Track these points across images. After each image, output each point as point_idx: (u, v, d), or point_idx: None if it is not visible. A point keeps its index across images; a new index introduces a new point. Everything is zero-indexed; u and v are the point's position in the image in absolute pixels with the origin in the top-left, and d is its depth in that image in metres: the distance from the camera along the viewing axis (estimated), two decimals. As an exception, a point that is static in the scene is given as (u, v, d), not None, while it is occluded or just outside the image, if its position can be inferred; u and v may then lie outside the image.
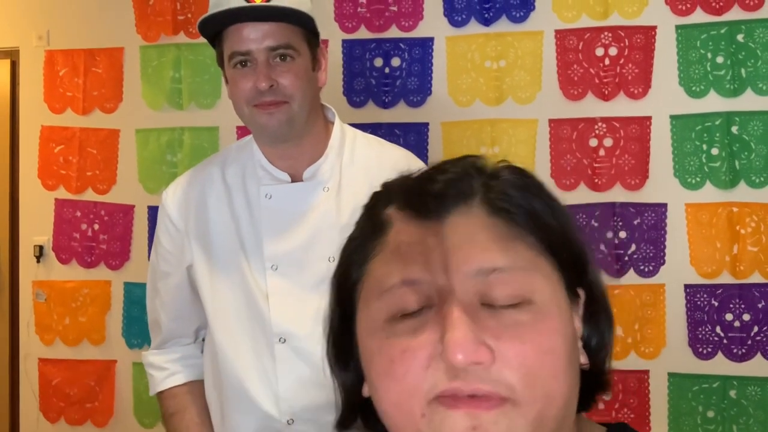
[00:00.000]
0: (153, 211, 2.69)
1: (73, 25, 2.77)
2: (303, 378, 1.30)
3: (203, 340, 1.48)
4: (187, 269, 1.40)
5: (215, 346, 1.37)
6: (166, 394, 1.45)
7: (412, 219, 0.58)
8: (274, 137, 1.33)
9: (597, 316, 0.61)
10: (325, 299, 1.34)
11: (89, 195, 2.73)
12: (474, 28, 2.49)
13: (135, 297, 2.69)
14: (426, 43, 2.52)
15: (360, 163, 1.39)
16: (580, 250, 0.61)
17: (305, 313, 1.29)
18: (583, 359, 0.59)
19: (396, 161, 1.37)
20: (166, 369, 1.45)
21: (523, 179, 0.61)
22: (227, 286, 1.35)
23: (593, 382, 0.61)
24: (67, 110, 2.76)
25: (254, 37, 1.27)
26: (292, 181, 1.37)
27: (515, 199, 0.59)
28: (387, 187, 0.64)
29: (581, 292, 0.61)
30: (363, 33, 2.55)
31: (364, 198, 1.35)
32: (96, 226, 2.72)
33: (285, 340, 1.31)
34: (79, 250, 2.73)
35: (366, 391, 0.60)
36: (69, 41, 2.77)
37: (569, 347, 0.55)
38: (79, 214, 2.73)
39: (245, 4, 1.26)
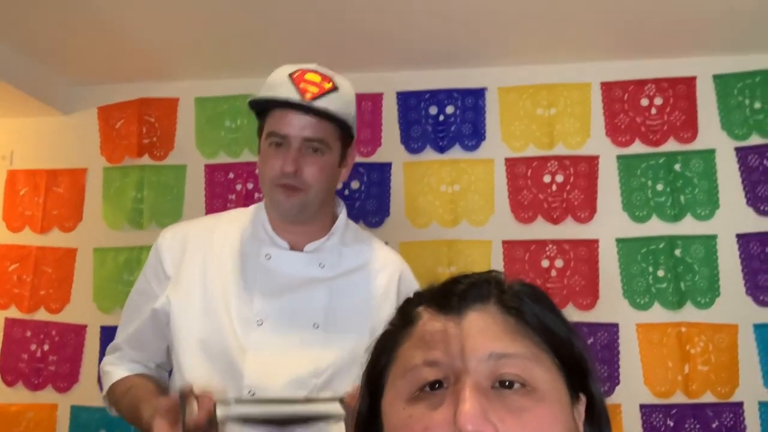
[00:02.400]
0: (105, 332, 2.58)
1: (38, 146, 2.76)
2: None
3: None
4: (154, 311, 1.40)
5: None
6: (118, 383, 1.42)
7: (437, 313, 0.66)
8: (285, 216, 1.39)
9: (599, 420, 0.67)
10: (304, 362, 1.28)
11: (41, 314, 2.62)
12: (429, 154, 2.56)
13: (82, 421, 2.52)
14: (384, 168, 2.57)
15: (360, 253, 1.46)
16: (583, 360, 0.67)
17: (280, 371, 1.31)
18: None
19: (393, 260, 1.48)
20: (122, 366, 1.45)
21: (536, 292, 0.69)
22: (205, 335, 1.35)
23: None
24: (25, 229, 2.69)
25: (295, 125, 1.34)
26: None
27: (526, 304, 0.66)
28: (417, 292, 0.72)
29: (582, 397, 0.66)
30: (323, 158, 2.60)
31: (356, 283, 1.37)
32: (46, 347, 2.59)
33: (254, 394, 1.30)
34: (27, 371, 2.57)
35: None
36: (32, 161, 2.75)
37: None
38: (29, 333, 2.60)
39: (298, 100, 1.33)
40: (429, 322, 0.66)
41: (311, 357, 1.33)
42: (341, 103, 1.37)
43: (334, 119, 1.36)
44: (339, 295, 1.39)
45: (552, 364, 0.63)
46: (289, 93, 1.33)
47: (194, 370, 1.34)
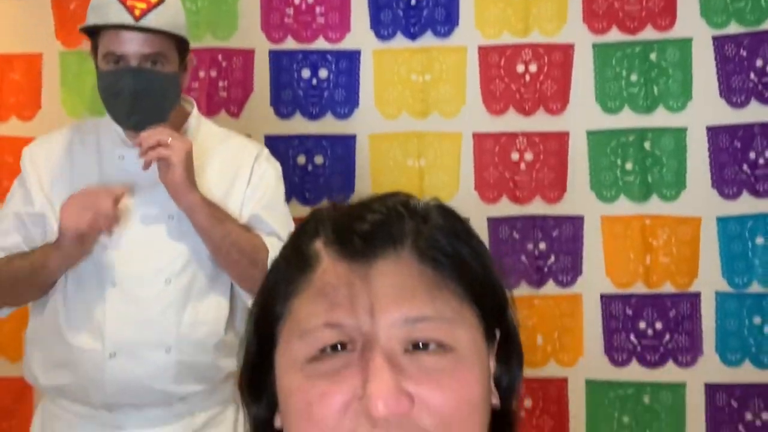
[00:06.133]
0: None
1: (-11, 29, 2.56)
2: (130, 317, 1.41)
3: None
4: (30, 216, 1.49)
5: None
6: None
7: (340, 258, 0.55)
8: (127, 128, 1.50)
9: (510, 357, 0.61)
10: (161, 252, 1.46)
11: (5, 206, 2.53)
12: (400, 41, 2.39)
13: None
14: (353, 56, 2.41)
15: (214, 145, 1.54)
16: (501, 295, 0.60)
17: (140, 260, 1.44)
18: (495, 400, 0.59)
19: (248, 146, 1.58)
20: None
21: (452, 224, 0.59)
22: None
23: (499, 423, 0.59)
24: (-18, 117, 2.55)
25: (130, 43, 1.38)
26: None
27: (444, 247, 0.57)
28: (315, 216, 0.60)
29: (497, 333, 0.60)
30: (290, 44, 2.44)
31: (210, 173, 1.53)
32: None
33: (116, 284, 1.42)
34: None
35: (278, 423, 0.58)
36: (-16, 46, 2.56)
37: (484, 393, 0.55)
38: (-6, 225, 2.53)
39: (129, 21, 1.36)
40: (330, 270, 0.55)
41: (167, 247, 1.44)
42: (170, 13, 1.41)
43: (167, 33, 1.40)
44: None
45: (472, 317, 0.56)
46: (119, 14, 1.35)
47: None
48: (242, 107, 2.42)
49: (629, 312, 2.28)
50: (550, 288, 2.31)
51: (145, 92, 1.40)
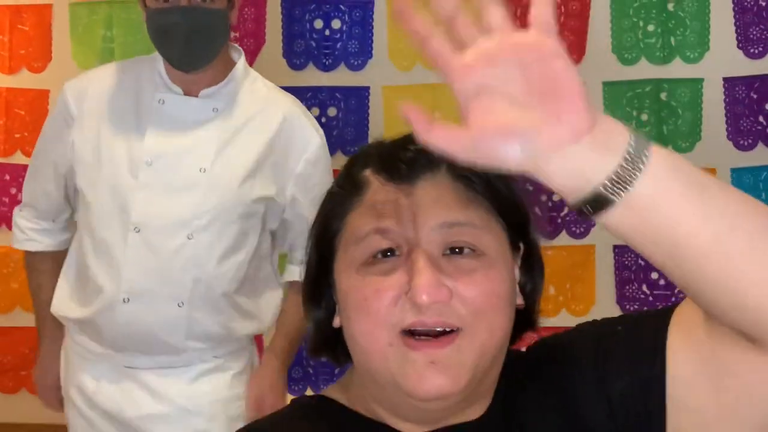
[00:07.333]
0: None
1: (-3, -21, 2.52)
2: (148, 266, 1.38)
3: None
4: (63, 154, 1.46)
5: (79, 229, 1.46)
6: (30, 257, 1.59)
7: (387, 182, 0.65)
8: (180, 65, 1.41)
9: (532, 267, 0.70)
10: (188, 204, 1.40)
11: (18, 158, 2.51)
12: (414, -10, 2.37)
13: (70, 262, 2.52)
14: (366, 6, 2.38)
15: (256, 100, 1.47)
16: (524, 214, 0.69)
17: (165, 211, 1.39)
18: (519, 300, 0.68)
19: (283, 105, 1.48)
20: (25, 234, 1.56)
21: None
22: (97, 173, 1.42)
23: (524, 319, 0.69)
24: (-8, 69, 2.53)
25: None
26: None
27: (474, 169, 0.64)
28: (364, 151, 0.71)
29: (521, 246, 0.69)
30: (303, -7, 2.40)
31: (249, 130, 1.46)
32: (27, 190, 2.52)
33: (139, 230, 1.38)
34: (9, 214, 2.52)
35: (336, 323, 0.68)
36: (-8, -4, 2.53)
37: (510, 291, 0.65)
38: (8, 177, 2.50)
39: None
40: (379, 190, 0.65)
41: (195, 199, 1.40)
42: None
43: None
44: (230, 142, 1.41)
45: (498, 228, 0.66)
46: None
47: (89, 208, 1.43)
48: (254, 59, 2.39)
49: (642, 262, 2.29)
50: (564, 239, 2.32)
51: (196, 30, 1.34)
